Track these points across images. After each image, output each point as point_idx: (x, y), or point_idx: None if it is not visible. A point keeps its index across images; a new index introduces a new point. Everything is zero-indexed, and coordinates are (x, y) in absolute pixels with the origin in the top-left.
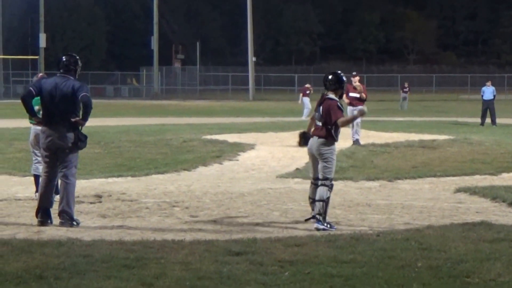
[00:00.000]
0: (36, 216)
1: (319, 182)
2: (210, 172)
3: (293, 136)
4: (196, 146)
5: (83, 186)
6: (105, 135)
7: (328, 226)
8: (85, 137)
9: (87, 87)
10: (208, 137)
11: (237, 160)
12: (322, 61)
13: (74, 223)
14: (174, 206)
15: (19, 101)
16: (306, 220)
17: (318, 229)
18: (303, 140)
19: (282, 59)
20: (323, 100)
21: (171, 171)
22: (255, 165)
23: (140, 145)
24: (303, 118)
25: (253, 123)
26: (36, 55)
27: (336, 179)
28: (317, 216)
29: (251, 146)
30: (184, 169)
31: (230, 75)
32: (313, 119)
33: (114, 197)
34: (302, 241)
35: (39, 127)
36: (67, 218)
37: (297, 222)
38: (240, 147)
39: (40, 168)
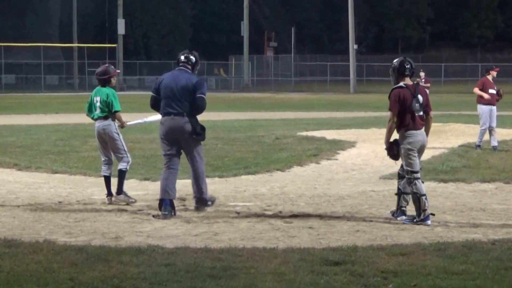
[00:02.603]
0: (160, 209)
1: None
2: (306, 173)
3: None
4: (291, 143)
5: None
6: None
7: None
8: (203, 128)
9: (206, 85)
10: (304, 133)
11: (336, 159)
12: (432, 49)
13: (209, 202)
14: (265, 210)
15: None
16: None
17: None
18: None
19: (387, 46)
20: (417, 88)
21: (263, 171)
22: (356, 165)
23: (228, 143)
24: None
25: (354, 118)
26: (114, 43)
27: (446, 181)
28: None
29: (351, 144)
30: (277, 169)
31: (329, 64)
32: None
33: None
34: (408, 250)
35: (104, 123)
36: (202, 203)
37: (402, 229)
38: (339, 145)
39: (106, 169)
